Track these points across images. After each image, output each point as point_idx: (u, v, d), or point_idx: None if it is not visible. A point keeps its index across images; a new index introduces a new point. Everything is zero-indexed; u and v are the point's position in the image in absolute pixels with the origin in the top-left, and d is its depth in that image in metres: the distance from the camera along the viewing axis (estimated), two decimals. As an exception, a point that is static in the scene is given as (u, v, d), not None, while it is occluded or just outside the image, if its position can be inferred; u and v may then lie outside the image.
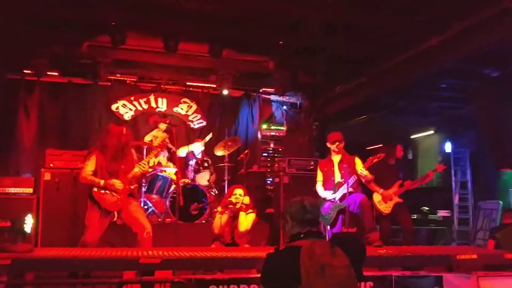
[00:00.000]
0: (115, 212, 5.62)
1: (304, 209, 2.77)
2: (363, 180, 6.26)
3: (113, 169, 5.52)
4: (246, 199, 5.99)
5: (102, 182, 5.40)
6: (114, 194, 5.45)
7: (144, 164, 5.68)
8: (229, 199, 5.93)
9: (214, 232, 5.89)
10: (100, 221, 5.46)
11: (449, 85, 9.19)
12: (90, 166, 5.47)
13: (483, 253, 5.37)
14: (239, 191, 6.00)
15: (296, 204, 2.83)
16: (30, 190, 7.51)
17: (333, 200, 6.18)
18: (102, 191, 5.42)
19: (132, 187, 5.64)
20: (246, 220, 5.85)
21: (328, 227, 6.26)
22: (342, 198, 6.11)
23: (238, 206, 5.87)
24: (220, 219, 5.85)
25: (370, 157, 6.12)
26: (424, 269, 4.97)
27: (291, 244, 2.66)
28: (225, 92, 9.62)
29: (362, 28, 7.39)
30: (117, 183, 5.45)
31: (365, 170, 6.11)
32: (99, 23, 7.51)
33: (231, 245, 5.84)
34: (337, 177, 6.28)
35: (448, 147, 11.08)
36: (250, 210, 5.92)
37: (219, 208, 6.01)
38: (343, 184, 6.07)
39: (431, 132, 12.24)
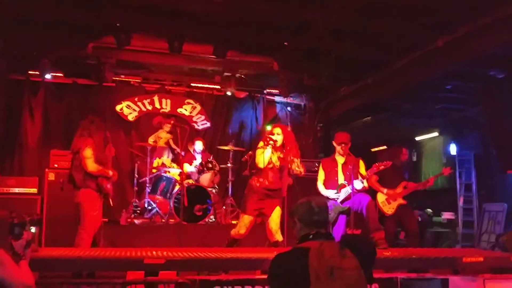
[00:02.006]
0: None
1: (311, 210, 2.71)
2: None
3: (103, 158, 5.86)
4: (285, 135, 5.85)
5: (111, 172, 5.87)
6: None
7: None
8: (270, 135, 5.76)
9: (259, 167, 5.71)
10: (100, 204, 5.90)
11: (454, 86, 9.15)
12: (92, 156, 5.67)
13: (489, 256, 5.35)
14: (277, 130, 5.84)
15: (303, 205, 2.77)
16: (34, 190, 7.55)
17: (335, 201, 6.14)
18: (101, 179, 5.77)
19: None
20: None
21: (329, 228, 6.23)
22: (345, 199, 6.06)
23: (278, 144, 5.74)
24: (263, 154, 5.68)
25: (377, 164, 6.05)
26: (430, 271, 4.95)
27: (299, 246, 2.62)
28: (229, 93, 9.61)
29: (368, 32, 7.36)
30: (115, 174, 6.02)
31: (366, 181, 6.03)
32: (104, 24, 7.50)
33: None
34: (340, 178, 6.21)
35: (452, 149, 11.05)
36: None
37: (261, 143, 5.79)
38: (346, 186, 6.03)
39: (436, 134, 12.20)
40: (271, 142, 5.68)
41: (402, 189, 7.01)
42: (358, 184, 5.93)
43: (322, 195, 6.24)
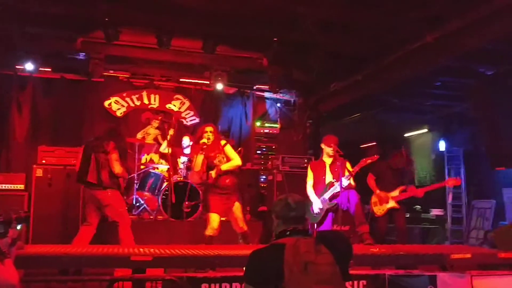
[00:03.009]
0: None
1: (288, 206, 2.73)
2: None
3: None
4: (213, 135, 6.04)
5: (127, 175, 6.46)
6: None
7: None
8: (202, 141, 5.94)
9: (194, 170, 6.01)
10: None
11: (443, 83, 9.18)
12: (119, 159, 6.08)
13: (477, 252, 5.38)
14: (209, 129, 6.04)
15: (280, 202, 2.79)
16: (22, 186, 7.48)
17: (323, 199, 6.14)
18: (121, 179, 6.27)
19: None
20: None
21: (316, 225, 6.21)
22: (333, 197, 6.06)
23: (209, 142, 5.94)
24: (197, 160, 5.94)
25: (364, 159, 6.07)
26: (418, 268, 4.96)
27: (276, 242, 2.63)
28: (219, 88, 9.57)
29: (358, 26, 7.36)
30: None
31: (352, 179, 6.07)
32: (93, 19, 7.43)
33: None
34: (328, 177, 6.21)
35: (442, 145, 11.09)
36: (224, 141, 6.12)
37: (191, 149, 6.20)
38: (334, 185, 6.02)
39: (425, 130, 12.24)
40: (204, 147, 5.92)
41: (399, 193, 6.86)
42: (345, 182, 5.94)
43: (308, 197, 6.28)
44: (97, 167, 5.99)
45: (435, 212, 10.50)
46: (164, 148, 8.08)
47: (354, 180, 6.18)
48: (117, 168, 6.02)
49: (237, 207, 5.98)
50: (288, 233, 2.65)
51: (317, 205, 6.18)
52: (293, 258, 2.43)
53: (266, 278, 2.47)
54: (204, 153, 5.91)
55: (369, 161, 6.04)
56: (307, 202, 6.26)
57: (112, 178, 6.02)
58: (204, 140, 5.93)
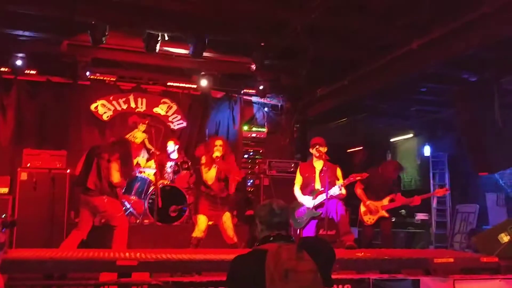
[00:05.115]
0: None
1: (272, 212, 2.72)
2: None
3: None
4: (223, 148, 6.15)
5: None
6: None
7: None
8: (214, 155, 6.03)
9: (208, 184, 6.06)
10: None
11: (429, 88, 9.28)
12: (119, 169, 6.07)
13: (460, 256, 5.44)
14: (219, 142, 6.16)
15: (264, 207, 2.78)
16: (6, 190, 7.41)
17: (309, 206, 6.14)
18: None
19: None
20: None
21: (298, 231, 6.21)
22: (319, 205, 6.05)
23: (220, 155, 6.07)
24: (209, 172, 6.04)
25: (354, 174, 6.08)
26: (402, 272, 5.01)
27: (259, 248, 2.63)
28: (206, 92, 9.56)
29: (345, 31, 7.41)
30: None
31: (343, 188, 6.06)
32: (79, 21, 7.39)
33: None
34: (318, 184, 6.17)
35: (427, 150, 11.21)
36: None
37: (204, 159, 6.13)
38: (322, 193, 6.00)
39: (411, 135, 12.36)
40: (217, 160, 6.02)
41: (388, 202, 6.85)
42: (336, 190, 5.95)
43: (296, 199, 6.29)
44: (98, 173, 5.96)
45: (420, 216, 10.58)
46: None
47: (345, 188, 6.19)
48: (116, 178, 5.99)
49: (227, 217, 6.13)
50: (271, 238, 2.65)
51: (308, 203, 6.16)
52: (274, 265, 2.43)
53: (247, 284, 2.47)
54: (217, 166, 6.02)
55: (358, 178, 6.07)
56: (292, 207, 6.28)
57: (111, 187, 6.01)
58: (217, 154, 6.03)
